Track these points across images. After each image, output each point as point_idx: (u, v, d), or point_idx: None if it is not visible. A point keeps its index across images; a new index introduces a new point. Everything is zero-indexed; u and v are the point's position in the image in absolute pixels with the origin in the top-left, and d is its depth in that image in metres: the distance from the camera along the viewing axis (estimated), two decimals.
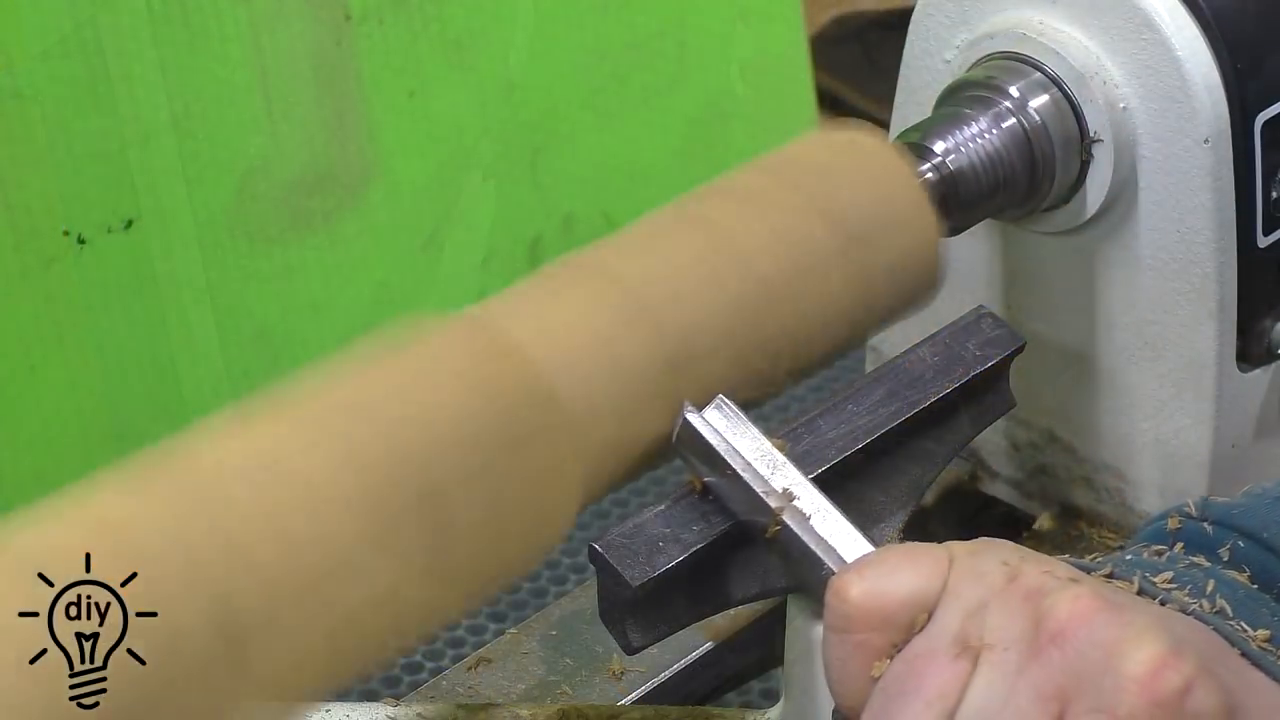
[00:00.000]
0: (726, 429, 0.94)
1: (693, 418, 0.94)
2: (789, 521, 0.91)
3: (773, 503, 0.92)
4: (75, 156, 1.35)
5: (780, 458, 0.93)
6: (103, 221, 1.37)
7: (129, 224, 1.38)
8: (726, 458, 0.93)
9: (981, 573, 0.82)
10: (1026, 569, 0.82)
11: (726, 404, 0.94)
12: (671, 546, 0.94)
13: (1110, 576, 0.87)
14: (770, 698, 1.22)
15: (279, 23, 1.41)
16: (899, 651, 0.82)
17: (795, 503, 0.91)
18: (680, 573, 0.94)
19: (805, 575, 0.91)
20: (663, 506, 0.96)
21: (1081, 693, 0.78)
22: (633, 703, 1.13)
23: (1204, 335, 1.16)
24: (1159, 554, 0.92)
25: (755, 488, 0.92)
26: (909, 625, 0.82)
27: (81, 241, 1.36)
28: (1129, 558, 0.90)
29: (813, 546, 0.90)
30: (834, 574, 0.85)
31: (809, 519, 0.91)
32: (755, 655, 1.19)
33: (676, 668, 1.15)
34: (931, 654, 0.80)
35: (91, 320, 1.38)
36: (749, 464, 0.93)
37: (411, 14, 1.47)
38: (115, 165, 1.36)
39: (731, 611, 1.10)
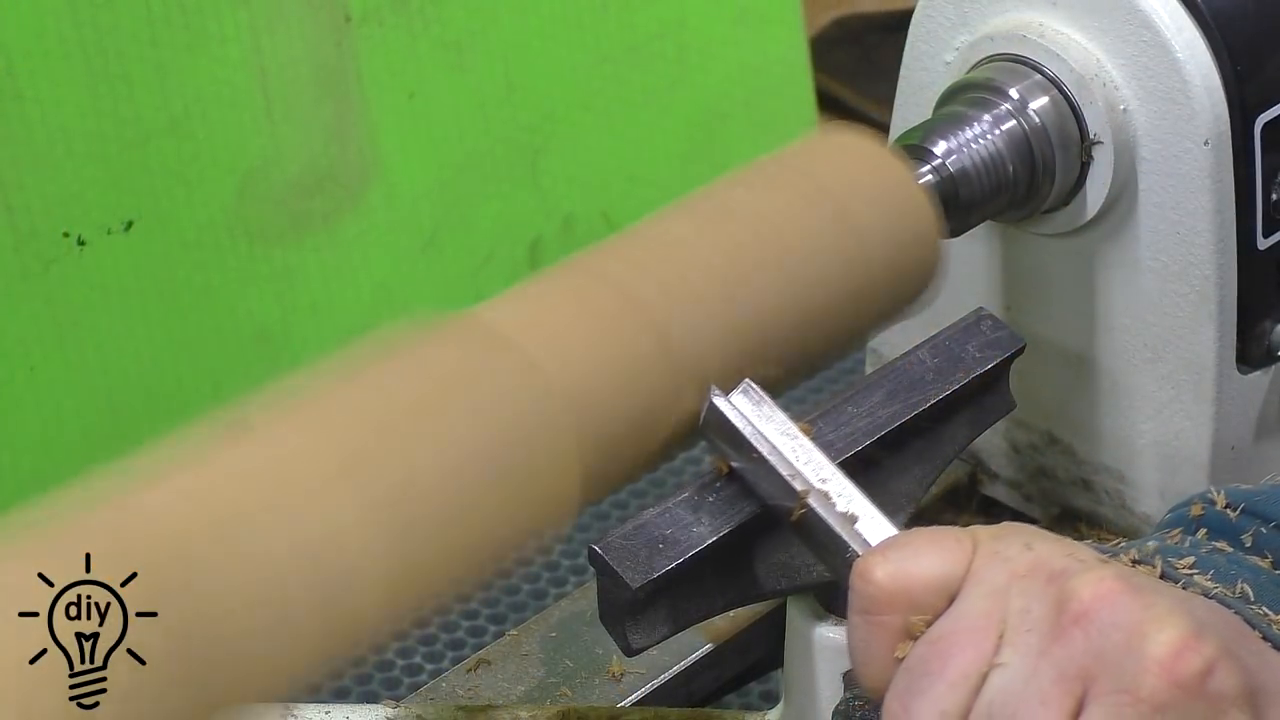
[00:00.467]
0: (753, 413, 0.94)
1: (719, 401, 0.94)
2: (814, 505, 0.91)
3: (798, 486, 0.92)
4: (75, 158, 1.34)
5: (806, 442, 0.93)
6: (102, 223, 1.37)
7: (129, 225, 1.38)
8: (752, 441, 0.93)
9: (1005, 556, 0.83)
10: (1050, 552, 0.83)
11: (753, 388, 0.94)
12: (671, 549, 0.94)
13: (1134, 562, 0.88)
14: (770, 699, 1.22)
15: (279, 24, 1.41)
16: (923, 633, 0.82)
17: (820, 486, 0.92)
18: (680, 575, 0.94)
19: (830, 558, 0.91)
20: (662, 508, 0.96)
21: (1103, 673, 0.79)
22: (632, 704, 1.13)
23: (1204, 337, 1.16)
24: (1182, 540, 0.93)
25: (780, 471, 0.92)
26: (933, 607, 0.83)
27: (81, 243, 1.36)
28: (1151, 543, 0.91)
29: (837, 529, 0.90)
30: (859, 557, 0.86)
31: (834, 502, 0.91)
32: (755, 657, 1.19)
33: (676, 669, 1.15)
34: (955, 635, 0.81)
35: (91, 321, 1.38)
36: (774, 447, 0.93)
37: (411, 15, 1.47)
38: (115, 166, 1.36)
39: (731, 613, 1.10)
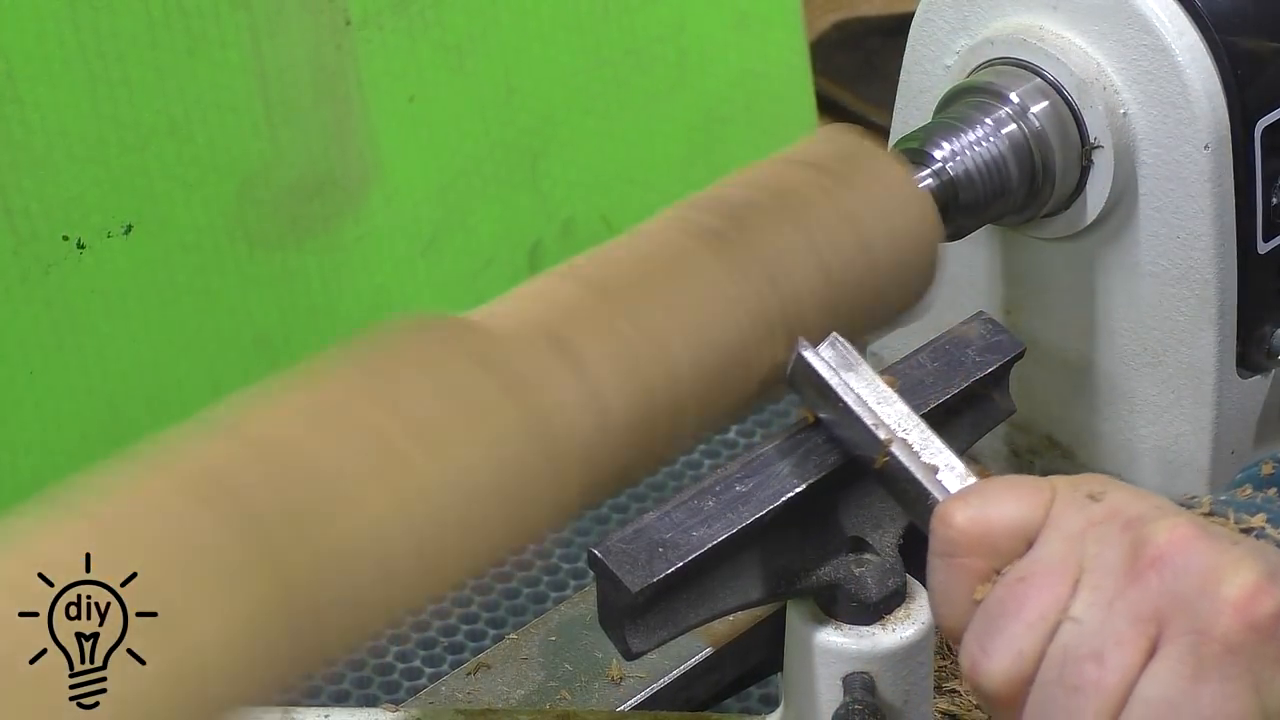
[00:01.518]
0: (839, 364, 0.96)
1: (807, 353, 0.97)
2: (897, 453, 0.93)
3: (881, 435, 0.94)
4: (75, 161, 1.34)
5: (890, 394, 0.96)
6: (102, 226, 1.37)
7: (128, 229, 1.38)
8: (838, 392, 0.95)
9: (1082, 503, 0.85)
10: (1126, 499, 0.85)
11: (840, 341, 0.97)
12: (671, 552, 0.94)
13: (1207, 514, 0.90)
14: (770, 703, 1.22)
15: (278, 27, 1.41)
16: (1002, 576, 0.84)
17: (903, 435, 0.94)
18: (680, 579, 0.94)
19: (911, 505, 0.93)
20: (662, 512, 0.96)
21: (1178, 615, 0.80)
22: (632, 708, 1.13)
23: (1204, 341, 1.16)
24: (1254, 496, 0.96)
25: (865, 420, 0.95)
26: (1012, 551, 0.85)
27: (81, 246, 1.36)
28: (1224, 498, 0.93)
29: (919, 477, 0.92)
30: (939, 503, 0.88)
31: (916, 452, 0.93)
32: (754, 661, 1.19)
33: (676, 673, 1.15)
34: (1033, 578, 0.83)
35: (91, 325, 1.38)
36: (860, 398, 0.95)
37: (411, 19, 1.47)
38: (115, 170, 1.36)
39: (731, 617, 1.10)
